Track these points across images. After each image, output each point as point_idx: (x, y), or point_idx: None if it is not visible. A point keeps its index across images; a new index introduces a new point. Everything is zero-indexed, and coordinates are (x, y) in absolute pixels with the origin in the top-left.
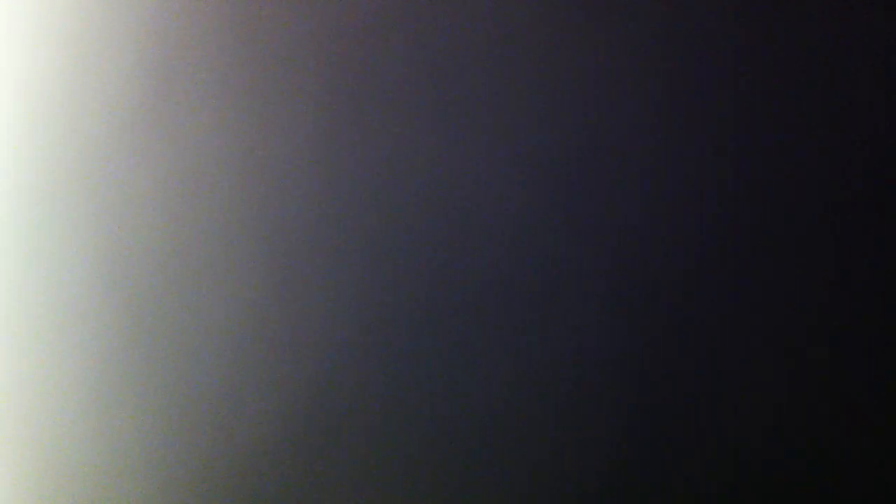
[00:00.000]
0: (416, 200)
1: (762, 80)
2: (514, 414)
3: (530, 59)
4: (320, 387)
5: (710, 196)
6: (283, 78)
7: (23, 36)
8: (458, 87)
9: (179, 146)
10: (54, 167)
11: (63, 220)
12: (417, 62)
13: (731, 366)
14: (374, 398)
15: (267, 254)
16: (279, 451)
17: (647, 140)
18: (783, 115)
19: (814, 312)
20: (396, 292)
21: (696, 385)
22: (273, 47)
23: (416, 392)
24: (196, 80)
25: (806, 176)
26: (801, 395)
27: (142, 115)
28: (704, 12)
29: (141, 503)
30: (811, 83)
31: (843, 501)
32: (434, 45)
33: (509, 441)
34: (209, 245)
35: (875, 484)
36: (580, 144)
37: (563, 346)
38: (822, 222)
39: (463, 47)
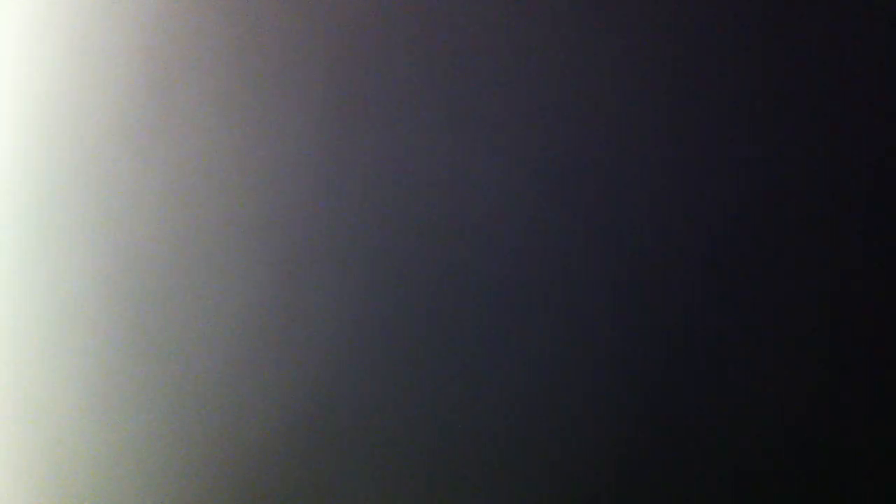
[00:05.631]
0: (419, 201)
1: (768, 81)
2: (516, 416)
3: (535, 59)
4: (323, 387)
5: (714, 197)
6: (285, 79)
7: (23, 37)
8: (461, 86)
9: (180, 147)
10: (55, 168)
11: (64, 221)
12: (419, 62)
13: (737, 367)
14: (377, 399)
15: (269, 254)
16: (281, 451)
17: (654, 142)
18: (789, 116)
19: (820, 315)
20: (399, 293)
21: (701, 387)
22: (274, 48)
23: (417, 393)
24: (197, 81)
25: (810, 177)
26: (803, 397)
27: (142, 116)
28: (708, 13)
29: (142, 503)
30: (813, 83)
31: (845, 502)
32: (437, 45)
33: (511, 443)
34: (211, 245)
35: (876, 486)
36: (585, 145)
37: (566, 347)
38: (827, 223)
39: (466, 46)
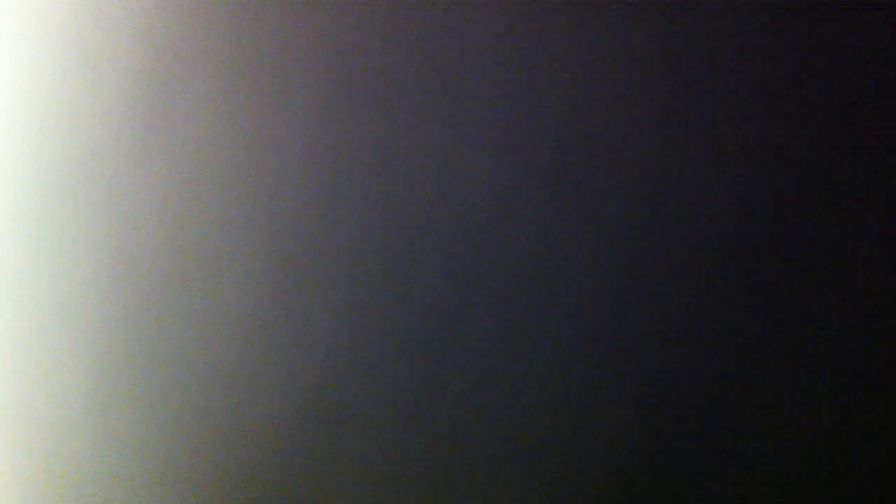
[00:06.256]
0: (420, 201)
1: (768, 82)
2: (517, 415)
3: (536, 59)
4: (323, 386)
5: (714, 197)
6: (285, 79)
7: (23, 37)
8: (461, 86)
9: (180, 147)
10: (55, 168)
11: (64, 221)
12: (420, 62)
13: (737, 367)
14: (377, 399)
15: (269, 254)
16: (282, 451)
17: (654, 142)
18: (789, 117)
19: (818, 313)
20: (399, 292)
21: (703, 387)
22: (274, 48)
23: (418, 392)
24: (196, 81)
25: (809, 177)
26: (804, 397)
27: (142, 116)
28: (708, 15)
29: (141, 503)
30: (813, 84)
31: (844, 502)
32: (437, 46)
33: (511, 442)
34: (211, 245)
35: (876, 486)
36: (586, 144)
37: (568, 345)
38: (825, 223)
39: (466, 47)
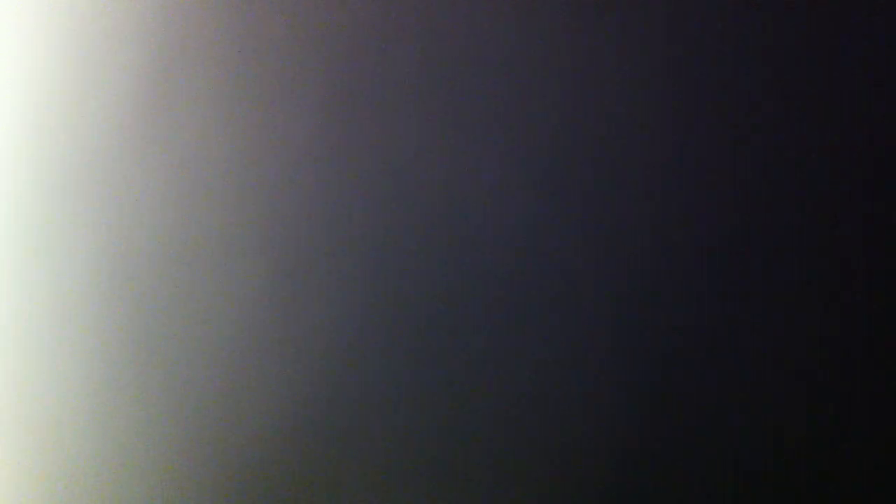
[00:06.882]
0: (421, 201)
1: (768, 81)
2: (516, 415)
3: (535, 59)
4: (322, 388)
5: (714, 198)
6: (284, 79)
7: (24, 36)
8: (461, 86)
9: (180, 148)
10: (55, 168)
11: (64, 221)
12: (420, 62)
13: (737, 368)
14: (377, 401)
15: (269, 254)
16: (281, 452)
17: (654, 142)
18: (789, 117)
19: (818, 314)
20: (398, 293)
21: (702, 388)
22: (274, 48)
23: (418, 393)
24: (197, 81)
25: (809, 177)
26: (804, 398)
27: (143, 116)
28: (710, 12)
29: (142, 503)
30: (813, 83)
31: (844, 502)
32: (437, 45)
33: (511, 442)
34: (211, 245)
35: (876, 486)
36: (586, 145)
37: (566, 346)
38: (827, 224)
39: (466, 46)
